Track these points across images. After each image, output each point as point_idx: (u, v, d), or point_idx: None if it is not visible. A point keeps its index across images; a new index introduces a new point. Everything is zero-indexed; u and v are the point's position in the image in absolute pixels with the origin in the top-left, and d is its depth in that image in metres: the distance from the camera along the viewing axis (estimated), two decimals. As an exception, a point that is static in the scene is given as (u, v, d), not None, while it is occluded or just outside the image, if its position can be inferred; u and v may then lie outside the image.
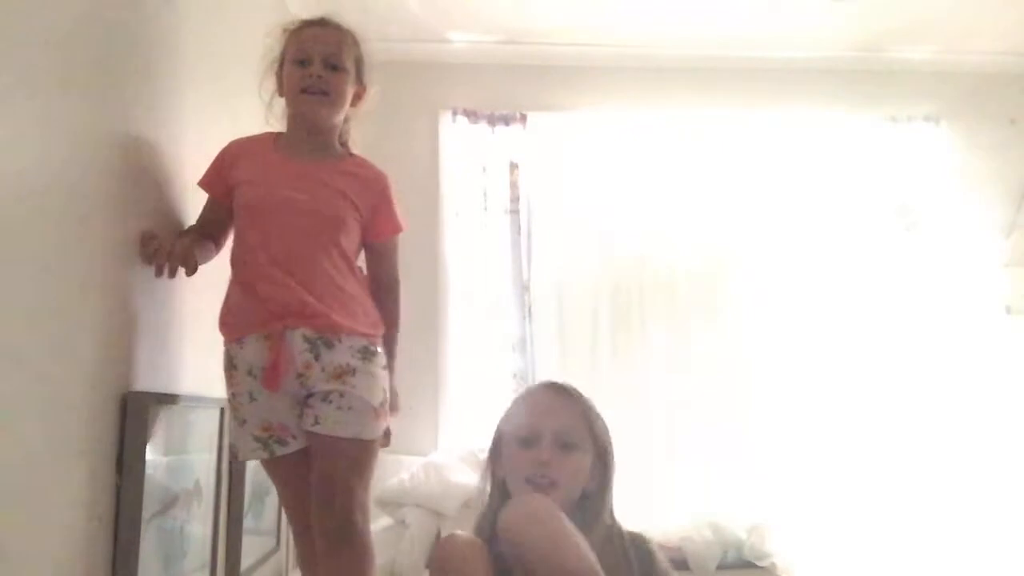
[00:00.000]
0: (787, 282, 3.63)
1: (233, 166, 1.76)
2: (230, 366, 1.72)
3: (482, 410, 3.38)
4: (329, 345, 1.69)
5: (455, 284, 3.51)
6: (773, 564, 3.07)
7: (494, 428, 1.59)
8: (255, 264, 1.70)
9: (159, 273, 1.60)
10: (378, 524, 2.95)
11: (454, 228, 3.53)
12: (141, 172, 1.60)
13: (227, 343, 1.74)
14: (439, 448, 3.32)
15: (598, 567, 1.27)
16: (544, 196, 3.61)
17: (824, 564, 3.21)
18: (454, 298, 3.50)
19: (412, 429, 3.37)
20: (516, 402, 1.62)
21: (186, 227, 1.79)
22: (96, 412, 1.35)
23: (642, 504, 3.35)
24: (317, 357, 1.68)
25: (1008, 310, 3.58)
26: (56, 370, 1.23)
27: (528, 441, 1.49)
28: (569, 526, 1.32)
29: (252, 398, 1.70)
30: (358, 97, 1.86)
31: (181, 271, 1.62)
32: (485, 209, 3.53)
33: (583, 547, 1.29)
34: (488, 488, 1.56)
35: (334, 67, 1.78)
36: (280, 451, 1.72)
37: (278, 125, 1.85)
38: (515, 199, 3.55)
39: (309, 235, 1.71)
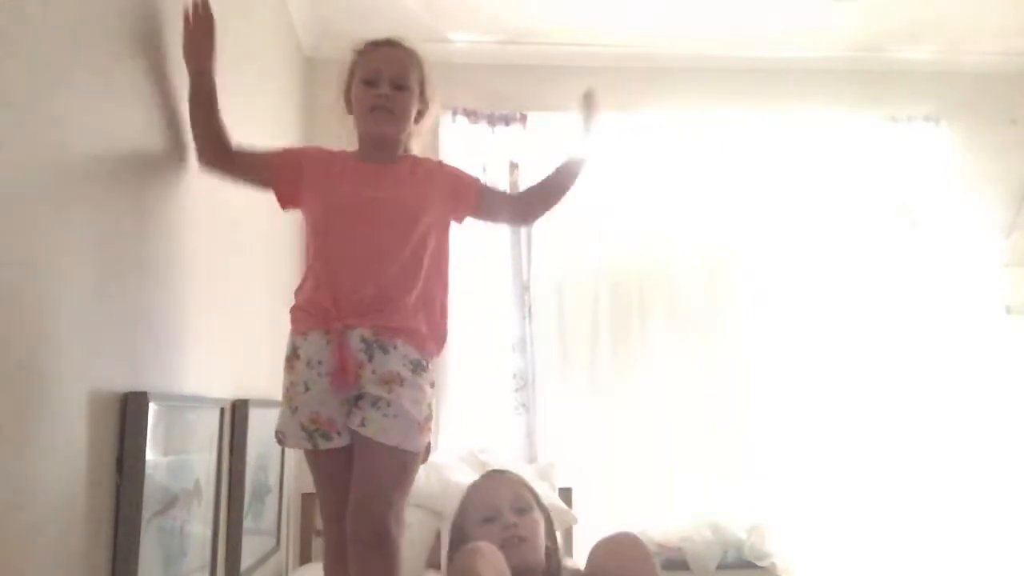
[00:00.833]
0: (787, 282, 3.63)
1: (316, 167, 1.88)
2: (292, 355, 1.83)
3: (482, 410, 3.39)
4: (384, 350, 1.77)
5: (455, 284, 3.48)
6: (773, 564, 3.07)
7: (452, 527, 1.93)
8: (332, 262, 1.80)
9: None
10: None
11: (454, 228, 3.51)
12: (144, 170, 1.60)
13: (293, 334, 1.84)
14: (439, 448, 3.32)
15: None
16: (544, 196, 3.60)
17: (824, 564, 3.22)
18: (454, 298, 3.48)
19: (412, 429, 3.38)
20: (467, 495, 1.92)
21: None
22: (96, 412, 1.35)
23: (642, 504, 3.37)
24: (370, 359, 1.76)
25: (1008, 310, 3.58)
26: (56, 370, 1.23)
27: (491, 518, 1.81)
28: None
29: (307, 388, 1.78)
30: (420, 114, 1.98)
31: None
32: (485, 209, 3.53)
33: None
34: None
35: (400, 87, 1.89)
36: (324, 444, 1.79)
37: (347, 144, 1.97)
38: (515, 199, 3.54)
39: (392, 234, 1.82)
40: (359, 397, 1.77)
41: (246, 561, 2.20)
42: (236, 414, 2.17)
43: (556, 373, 3.52)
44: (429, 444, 1.85)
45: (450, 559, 1.80)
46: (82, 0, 1.34)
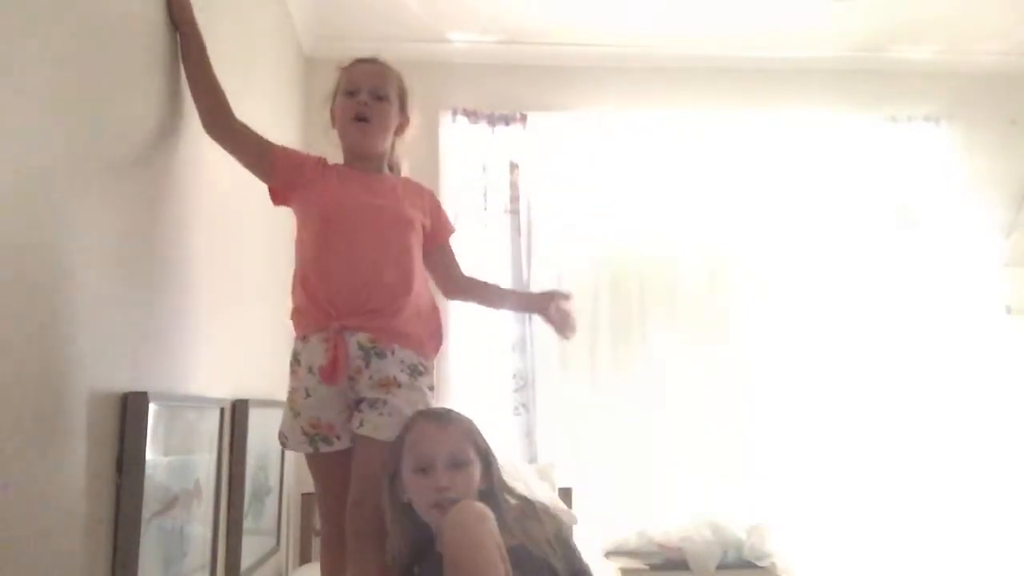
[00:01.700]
0: (787, 282, 3.63)
1: (314, 169, 1.94)
2: (295, 361, 1.89)
3: (482, 410, 3.38)
4: (381, 355, 1.83)
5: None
6: (773, 564, 3.07)
7: (387, 459, 1.77)
8: (328, 266, 1.84)
9: None
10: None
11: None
12: (144, 171, 1.60)
13: (295, 338, 1.91)
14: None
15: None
16: (544, 196, 3.61)
17: (824, 564, 3.21)
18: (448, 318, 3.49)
19: (412, 429, 3.38)
20: (404, 436, 1.78)
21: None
22: (96, 412, 1.35)
23: (642, 504, 3.37)
24: (367, 364, 1.83)
25: (1008, 310, 3.58)
26: (56, 370, 1.23)
27: (424, 469, 1.71)
28: (491, 531, 1.55)
29: (308, 394, 1.85)
30: (401, 127, 2.04)
31: None
32: (485, 209, 3.53)
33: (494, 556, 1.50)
34: (390, 512, 1.74)
35: (379, 97, 1.96)
36: (324, 448, 1.86)
37: (333, 155, 2.03)
38: (515, 199, 3.55)
39: (388, 239, 1.88)
40: (359, 402, 1.83)
41: (246, 561, 2.20)
42: (236, 414, 2.17)
43: (556, 373, 3.52)
44: None
45: (387, 493, 1.75)
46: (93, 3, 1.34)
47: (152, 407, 1.49)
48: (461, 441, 1.77)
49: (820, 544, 3.28)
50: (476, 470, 1.76)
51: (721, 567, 3.08)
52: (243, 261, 2.38)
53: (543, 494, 2.85)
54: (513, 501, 1.81)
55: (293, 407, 1.88)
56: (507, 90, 3.63)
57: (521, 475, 2.88)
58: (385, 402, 1.80)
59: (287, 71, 3.20)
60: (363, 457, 1.80)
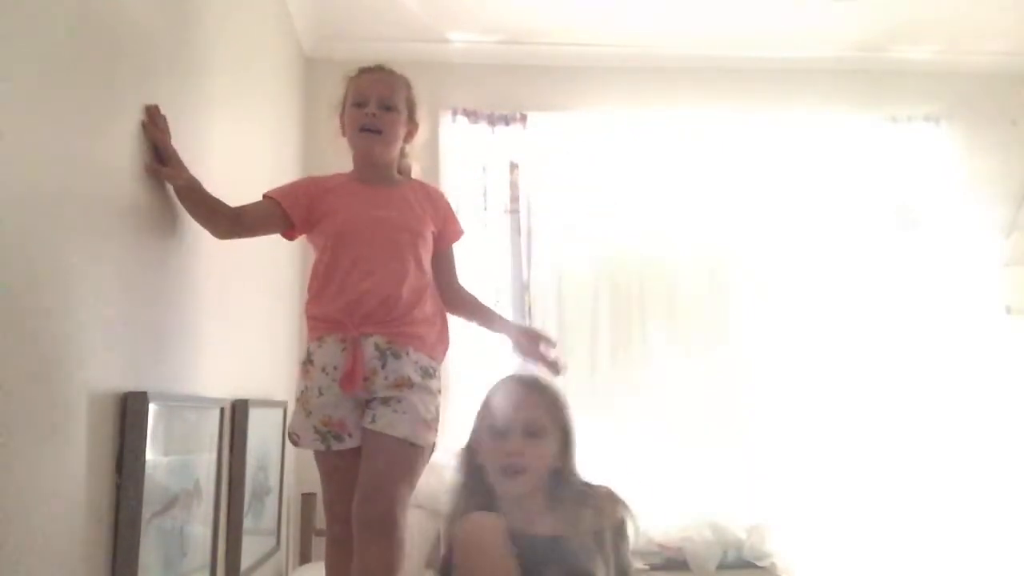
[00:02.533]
0: (787, 282, 3.63)
1: (322, 199, 1.95)
2: (307, 361, 1.91)
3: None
4: (396, 356, 1.86)
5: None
6: (773, 564, 3.07)
7: (473, 427, 1.84)
8: (347, 279, 1.88)
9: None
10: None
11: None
12: (144, 170, 1.60)
13: (309, 340, 1.94)
14: (439, 448, 3.31)
15: None
16: (544, 196, 3.61)
17: (824, 564, 3.21)
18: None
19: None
20: (489, 396, 1.82)
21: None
22: (96, 412, 1.35)
23: (642, 504, 3.36)
24: (383, 365, 1.85)
25: (1008, 310, 3.58)
26: (56, 370, 1.23)
27: (500, 432, 1.71)
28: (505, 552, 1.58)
29: (321, 393, 1.87)
30: (411, 134, 2.08)
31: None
32: (485, 209, 3.53)
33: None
34: (463, 474, 1.81)
35: (388, 108, 1.99)
36: (336, 446, 1.88)
37: (337, 163, 2.06)
38: (515, 199, 3.55)
39: (398, 252, 1.92)
40: (371, 400, 1.86)
41: (246, 561, 2.20)
42: (236, 414, 2.17)
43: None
44: (435, 444, 1.91)
45: (465, 454, 1.80)
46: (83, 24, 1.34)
47: (152, 407, 1.49)
48: (541, 411, 1.73)
49: (820, 544, 3.28)
50: (552, 444, 1.72)
51: (721, 567, 3.08)
52: (243, 261, 2.38)
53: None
54: (585, 486, 1.77)
55: (305, 406, 1.90)
56: (507, 90, 3.63)
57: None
58: (400, 400, 1.83)
59: (287, 71, 3.20)
60: (375, 452, 1.81)
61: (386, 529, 1.75)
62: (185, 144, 1.74)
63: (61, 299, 1.25)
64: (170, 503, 1.63)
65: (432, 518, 2.93)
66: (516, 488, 1.69)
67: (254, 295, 2.52)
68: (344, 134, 2.06)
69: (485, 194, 3.54)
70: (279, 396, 2.66)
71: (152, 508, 1.51)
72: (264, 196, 1.97)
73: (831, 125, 3.70)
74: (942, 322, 3.53)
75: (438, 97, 3.55)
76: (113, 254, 1.45)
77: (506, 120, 3.59)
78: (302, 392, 1.92)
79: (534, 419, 1.71)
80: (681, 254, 3.64)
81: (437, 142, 3.54)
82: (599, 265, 3.62)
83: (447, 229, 2.09)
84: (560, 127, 3.67)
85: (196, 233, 1.84)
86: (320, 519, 3.08)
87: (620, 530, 1.77)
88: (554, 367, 2.02)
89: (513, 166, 3.57)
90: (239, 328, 2.35)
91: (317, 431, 1.88)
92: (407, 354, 1.88)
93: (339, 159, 2.08)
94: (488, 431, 1.73)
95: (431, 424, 1.87)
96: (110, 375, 1.41)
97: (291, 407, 2.04)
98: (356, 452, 1.86)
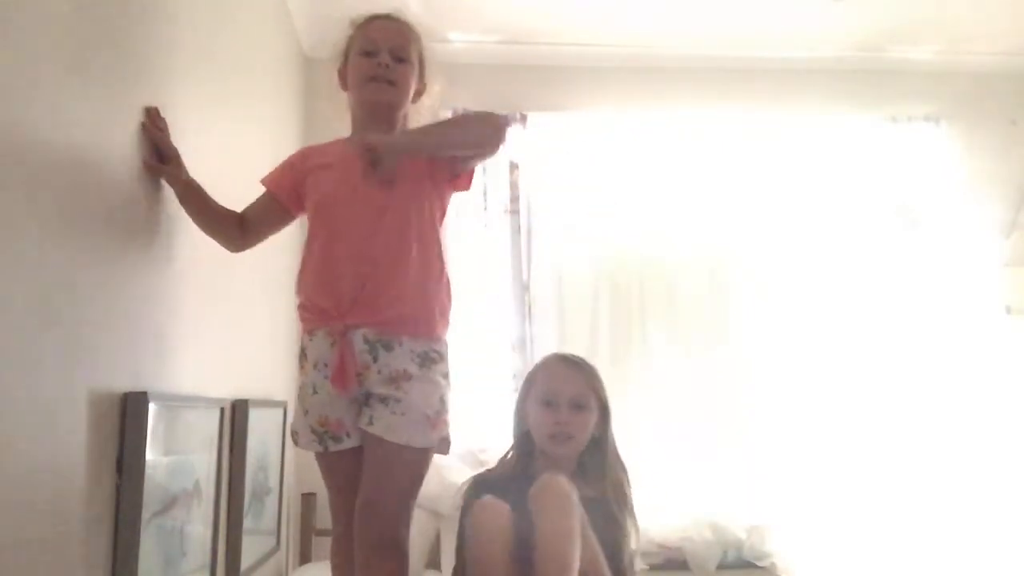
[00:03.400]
0: (787, 282, 3.63)
1: (309, 172, 1.81)
2: (302, 356, 1.81)
3: (482, 410, 3.38)
4: (388, 347, 1.71)
5: (455, 284, 3.49)
6: (773, 564, 3.07)
7: (522, 384, 2.12)
8: (330, 259, 1.74)
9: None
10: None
11: (454, 228, 3.52)
12: (143, 170, 1.60)
13: (302, 332, 1.81)
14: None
15: (576, 561, 1.69)
16: (544, 196, 3.61)
17: (824, 564, 3.21)
18: (454, 298, 3.48)
19: (412, 429, 3.38)
20: (537, 371, 2.08)
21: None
22: (96, 412, 1.35)
23: (642, 504, 3.36)
24: (375, 359, 1.71)
25: (1008, 310, 3.58)
26: (56, 370, 1.23)
27: (549, 403, 1.94)
28: (577, 515, 1.75)
29: (315, 391, 1.76)
30: (418, 95, 1.90)
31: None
32: (485, 209, 3.53)
33: (575, 539, 1.71)
34: (514, 439, 2.07)
35: (400, 59, 1.82)
36: (333, 447, 1.77)
37: (342, 128, 1.89)
38: (515, 199, 3.55)
39: (389, 227, 1.73)
40: (368, 396, 1.72)
41: (246, 561, 2.20)
42: (236, 414, 2.17)
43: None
44: (447, 437, 1.75)
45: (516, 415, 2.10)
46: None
47: (152, 407, 1.49)
48: (586, 387, 1.96)
49: (820, 544, 3.28)
50: (594, 417, 1.95)
51: (721, 567, 3.08)
52: (243, 260, 2.38)
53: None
54: (611, 456, 2.02)
55: (302, 404, 1.80)
56: (507, 90, 3.63)
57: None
58: (398, 400, 1.68)
59: (287, 70, 3.20)
60: (375, 460, 1.70)
61: (387, 551, 1.67)
62: (184, 143, 1.73)
63: (61, 299, 1.25)
64: (170, 503, 1.63)
65: (432, 518, 2.93)
66: (564, 452, 1.94)
67: (255, 294, 2.52)
68: (345, 87, 1.87)
69: (485, 194, 3.53)
70: (279, 396, 2.66)
71: (152, 508, 1.51)
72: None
73: (831, 125, 3.69)
74: (942, 322, 3.53)
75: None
76: (113, 253, 1.44)
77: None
78: (299, 389, 1.81)
79: (580, 393, 1.94)
80: (681, 254, 3.64)
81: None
82: (599, 265, 3.62)
83: (463, 173, 1.85)
84: (560, 127, 3.67)
85: (196, 232, 1.84)
86: (319, 519, 3.09)
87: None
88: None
89: (513, 166, 3.57)
90: (239, 328, 2.35)
91: (314, 432, 1.76)
92: (400, 344, 1.71)
93: (343, 129, 1.90)
94: (538, 402, 1.95)
95: (436, 420, 1.71)
96: (110, 375, 1.41)
97: (291, 406, 2.04)
98: (357, 452, 1.75)
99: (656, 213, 3.64)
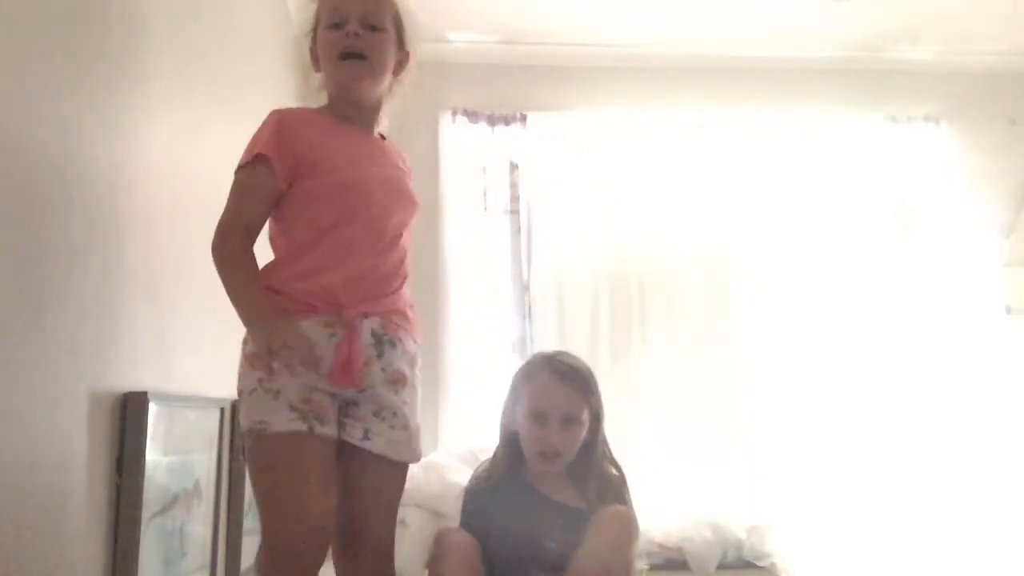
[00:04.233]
0: (787, 282, 3.63)
1: (298, 141, 1.55)
2: (267, 352, 1.48)
3: (482, 410, 3.38)
4: (392, 344, 1.57)
5: (455, 284, 3.51)
6: (773, 564, 3.06)
7: (510, 385, 1.89)
8: (335, 246, 1.54)
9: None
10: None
11: (454, 228, 3.53)
12: (143, 169, 1.60)
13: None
14: (439, 448, 3.32)
15: None
16: (544, 196, 3.61)
17: (824, 564, 3.21)
18: (454, 298, 3.50)
19: (412, 429, 3.38)
20: (526, 379, 1.87)
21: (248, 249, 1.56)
22: (96, 412, 1.35)
23: (642, 504, 3.36)
24: (380, 355, 1.55)
25: (1008, 310, 3.57)
26: (56, 370, 1.23)
27: (540, 417, 1.80)
28: (634, 550, 1.76)
29: (296, 374, 1.47)
30: (400, 65, 1.68)
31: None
32: (485, 209, 3.53)
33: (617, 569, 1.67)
34: (501, 436, 1.88)
35: (372, 27, 1.61)
36: (319, 429, 1.47)
37: (315, 102, 1.69)
38: (515, 199, 3.55)
39: (396, 216, 1.61)
40: (350, 403, 1.54)
41: (246, 561, 2.20)
42: (236, 414, 2.16)
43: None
44: None
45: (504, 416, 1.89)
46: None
47: (152, 407, 1.49)
48: (578, 401, 1.84)
49: (820, 544, 3.27)
50: (584, 427, 1.85)
51: (721, 567, 3.07)
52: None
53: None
54: (613, 470, 1.92)
55: (268, 388, 1.46)
56: (507, 90, 3.63)
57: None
58: (395, 412, 1.55)
59: (285, 70, 3.20)
60: (375, 483, 1.54)
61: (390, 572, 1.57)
62: (180, 140, 1.73)
63: (61, 299, 1.25)
64: (170, 503, 1.63)
65: (432, 518, 2.93)
66: (550, 470, 1.84)
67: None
68: (317, 67, 1.67)
69: (485, 194, 3.54)
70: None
71: (152, 508, 1.51)
72: (244, 166, 1.56)
73: (831, 125, 3.69)
74: (942, 322, 3.53)
75: (438, 97, 3.55)
76: (113, 255, 1.44)
77: (506, 120, 3.59)
78: (261, 381, 1.47)
79: (571, 411, 1.82)
80: (681, 254, 3.64)
81: (437, 142, 3.54)
82: (599, 265, 3.62)
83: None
84: (560, 127, 3.67)
85: (195, 232, 1.84)
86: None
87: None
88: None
89: (513, 166, 3.57)
90: (239, 327, 2.34)
91: (295, 409, 1.45)
92: (400, 341, 1.58)
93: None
94: (527, 414, 1.82)
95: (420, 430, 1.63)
96: (110, 375, 1.41)
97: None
98: (334, 445, 1.50)
99: (656, 213, 3.64)
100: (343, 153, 1.59)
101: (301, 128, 1.58)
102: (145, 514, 1.46)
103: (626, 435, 3.47)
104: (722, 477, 3.43)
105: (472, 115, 3.58)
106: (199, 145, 1.86)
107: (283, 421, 1.45)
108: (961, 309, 3.55)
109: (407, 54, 1.69)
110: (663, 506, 3.33)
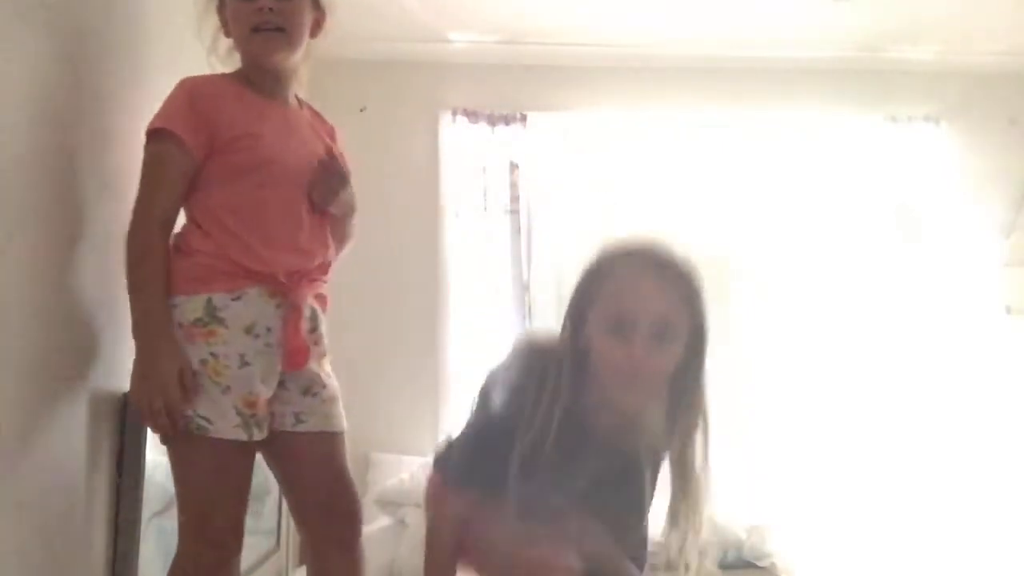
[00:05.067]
0: (787, 282, 3.63)
1: (214, 115, 1.46)
2: (211, 319, 1.40)
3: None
4: (320, 316, 1.56)
5: (455, 284, 3.50)
6: (773, 564, 3.06)
7: (578, 279, 1.43)
8: (266, 222, 1.47)
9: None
10: (378, 524, 2.95)
11: (454, 228, 3.53)
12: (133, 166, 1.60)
13: (208, 291, 1.42)
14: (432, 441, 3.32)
15: None
16: (544, 196, 3.61)
17: (824, 564, 3.21)
18: (454, 298, 3.50)
19: (412, 429, 3.38)
20: (608, 270, 1.39)
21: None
22: (96, 412, 1.35)
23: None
24: (313, 329, 1.52)
25: (1008, 310, 3.57)
26: (56, 370, 1.23)
27: (620, 329, 1.32)
28: None
29: (244, 362, 1.41)
30: (317, 25, 1.60)
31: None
32: (485, 209, 3.53)
33: None
34: (568, 357, 1.39)
35: None
36: (258, 436, 1.44)
37: (222, 68, 1.60)
38: (515, 199, 3.55)
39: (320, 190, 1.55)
40: (279, 384, 1.49)
41: (246, 561, 2.19)
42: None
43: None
44: None
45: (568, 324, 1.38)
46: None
47: (152, 407, 1.49)
48: (675, 306, 1.34)
49: (820, 544, 3.27)
50: (681, 346, 1.34)
51: (721, 567, 3.07)
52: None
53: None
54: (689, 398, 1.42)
55: (219, 379, 1.39)
56: (507, 90, 3.63)
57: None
58: (325, 386, 1.54)
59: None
60: (325, 457, 1.53)
61: (358, 542, 1.59)
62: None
63: (61, 299, 1.25)
64: (170, 503, 1.63)
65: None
66: (635, 402, 1.37)
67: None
68: (227, 33, 1.56)
69: (485, 194, 3.54)
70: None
71: (152, 508, 1.51)
72: (153, 132, 1.41)
73: (831, 125, 3.69)
74: (942, 322, 3.53)
75: (438, 97, 3.55)
76: (113, 255, 1.44)
77: (506, 120, 3.59)
78: (206, 362, 1.39)
79: (665, 319, 1.32)
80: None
81: (437, 142, 3.54)
82: (599, 265, 3.62)
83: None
84: (560, 127, 3.67)
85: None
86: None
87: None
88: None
89: (513, 166, 3.57)
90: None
91: (240, 414, 1.39)
92: (323, 312, 1.57)
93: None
94: (604, 323, 1.34)
95: None
96: (110, 375, 1.41)
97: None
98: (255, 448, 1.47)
99: (656, 213, 3.64)
100: (260, 125, 1.50)
101: (216, 100, 1.49)
102: (145, 514, 1.46)
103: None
104: (722, 477, 3.42)
105: (472, 115, 3.58)
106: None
107: (227, 427, 1.40)
108: (961, 309, 3.55)
109: (323, 13, 1.60)
110: (663, 506, 3.33)
